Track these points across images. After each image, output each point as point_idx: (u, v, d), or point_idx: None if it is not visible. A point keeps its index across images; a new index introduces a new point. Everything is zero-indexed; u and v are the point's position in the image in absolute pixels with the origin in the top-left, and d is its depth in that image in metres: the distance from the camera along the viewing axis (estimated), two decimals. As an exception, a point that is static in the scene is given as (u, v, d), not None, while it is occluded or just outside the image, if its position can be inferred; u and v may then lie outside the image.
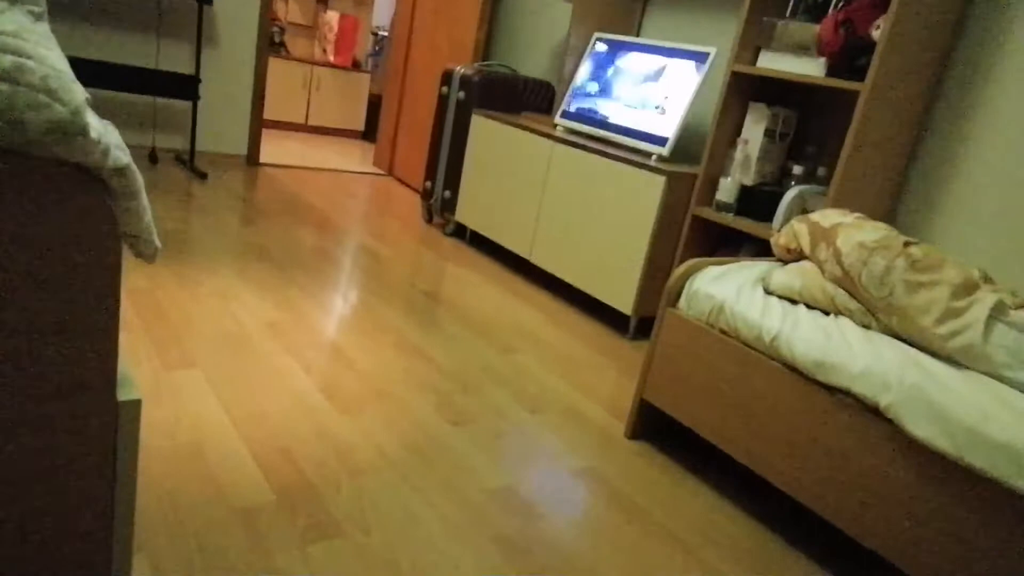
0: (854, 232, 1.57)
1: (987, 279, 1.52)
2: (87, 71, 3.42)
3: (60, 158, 0.65)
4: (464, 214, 3.45)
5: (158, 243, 0.81)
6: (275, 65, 5.59)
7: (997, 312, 1.38)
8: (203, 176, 3.68)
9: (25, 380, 0.70)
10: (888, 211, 2.31)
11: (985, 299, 1.41)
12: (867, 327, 1.52)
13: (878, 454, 1.36)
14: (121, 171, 0.69)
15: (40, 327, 0.69)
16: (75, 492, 0.78)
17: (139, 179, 0.73)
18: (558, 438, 1.83)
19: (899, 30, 1.96)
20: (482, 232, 3.34)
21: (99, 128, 0.68)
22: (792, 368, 1.51)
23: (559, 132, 2.97)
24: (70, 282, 0.68)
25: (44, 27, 0.74)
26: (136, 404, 0.79)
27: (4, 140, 0.62)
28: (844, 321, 1.54)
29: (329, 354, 2.03)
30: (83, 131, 0.63)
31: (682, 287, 1.77)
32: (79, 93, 0.64)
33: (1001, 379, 1.33)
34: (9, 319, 0.67)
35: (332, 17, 5.80)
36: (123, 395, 0.78)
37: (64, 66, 0.66)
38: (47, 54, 0.64)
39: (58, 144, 0.63)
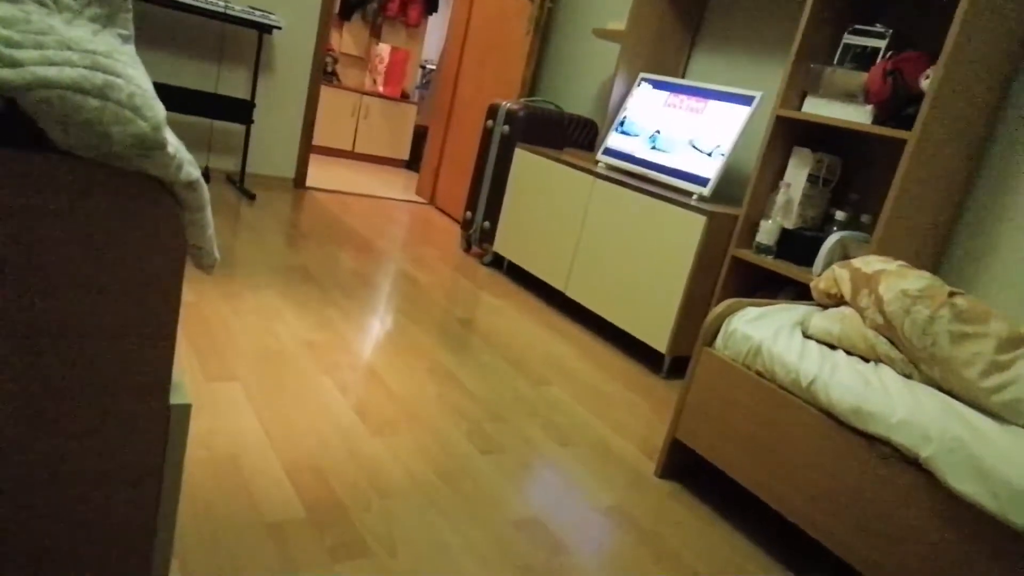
0: (897, 280, 1.55)
1: (1035, 334, 1.48)
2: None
3: (139, 170, 0.69)
4: (502, 245, 3.49)
5: (217, 255, 0.85)
6: (326, 93, 5.77)
7: (1045, 368, 1.35)
8: (252, 197, 3.80)
9: (89, 378, 0.74)
10: (933, 261, 2.28)
11: (1033, 354, 1.37)
12: (908, 376, 1.50)
13: (915, 506, 1.33)
14: (192, 185, 0.74)
15: (107, 328, 0.73)
16: (124, 492, 0.81)
17: (206, 194, 0.78)
18: (587, 473, 1.82)
19: (948, 82, 1.96)
20: (519, 263, 3.37)
21: (175, 144, 0.72)
22: (829, 414, 1.48)
23: (600, 168, 3.00)
24: (138, 286, 0.72)
25: (131, 49, 0.79)
26: (186, 408, 0.82)
27: (91, 151, 0.66)
28: (884, 369, 1.52)
29: (365, 376, 2.06)
30: (162, 146, 0.68)
31: (719, 326, 1.77)
32: (160, 110, 0.69)
33: (1048, 437, 1.29)
34: (79, 319, 0.71)
35: (384, 49, 5.98)
36: (175, 399, 0.81)
37: (148, 85, 0.71)
38: (134, 73, 0.69)
39: (139, 157, 0.67)
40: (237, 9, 3.54)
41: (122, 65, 0.68)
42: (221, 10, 3.47)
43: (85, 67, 0.66)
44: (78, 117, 0.65)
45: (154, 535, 0.85)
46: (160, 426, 0.79)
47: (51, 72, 0.63)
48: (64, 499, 0.77)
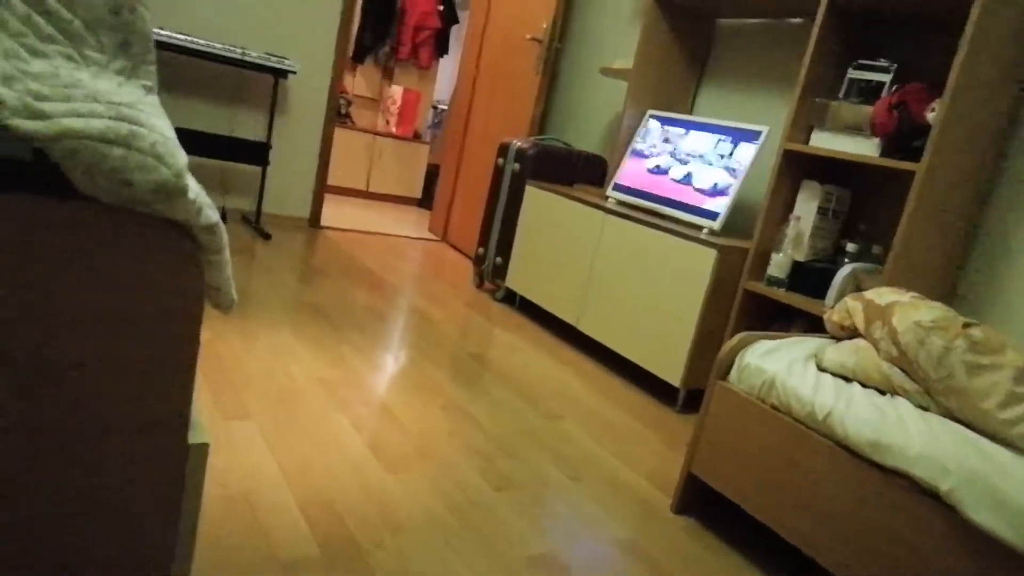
0: (910, 311, 1.55)
1: (1052, 364, 1.47)
2: (169, 136, 3.67)
3: (161, 215, 0.72)
4: (514, 280, 3.51)
5: (235, 296, 0.87)
6: (340, 134, 5.88)
7: (1063, 399, 1.34)
8: (267, 237, 3.86)
9: (108, 417, 0.75)
10: (946, 292, 2.27)
11: (1050, 385, 1.36)
12: (925, 408, 1.48)
13: (935, 539, 1.30)
14: (211, 228, 0.76)
15: (129, 366, 0.74)
16: (141, 529, 0.81)
17: (225, 236, 0.80)
18: (601, 508, 1.80)
19: (954, 113, 1.98)
20: (531, 298, 3.39)
21: (196, 189, 0.75)
22: (845, 447, 1.47)
23: (611, 204, 3.03)
24: (158, 326, 0.74)
25: (154, 99, 0.82)
26: (204, 447, 0.84)
27: (115, 197, 0.69)
28: (900, 401, 1.51)
29: (378, 412, 2.06)
30: (184, 192, 0.70)
31: (733, 360, 1.76)
32: (182, 158, 0.72)
33: (1070, 469, 1.27)
34: (102, 358, 0.73)
35: (396, 91, 6.10)
36: (193, 438, 0.83)
37: (171, 133, 0.74)
38: (157, 123, 0.72)
39: (161, 203, 0.70)
40: (254, 55, 3.64)
41: (146, 115, 0.71)
42: (238, 56, 3.57)
43: (111, 118, 0.69)
44: (104, 166, 0.68)
45: (170, 572, 0.86)
46: (179, 465, 0.81)
47: (79, 123, 0.66)
48: (82, 536, 0.78)
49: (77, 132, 0.66)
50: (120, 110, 0.71)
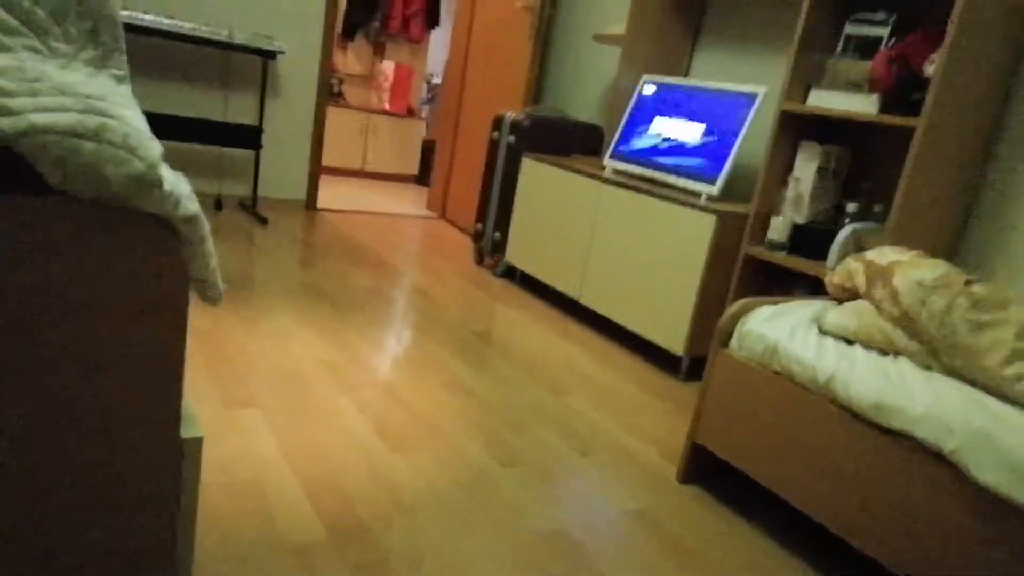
0: (911, 270, 1.53)
1: (1057, 318, 1.45)
2: (161, 125, 3.64)
3: (137, 208, 0.70)
4: (514, 255, 3.49)
5: (222, 287, 0.86)
6: (333, 114, 5.82)
7: (1069, 353, 1.32)
8: (264, 221, 3.84)
9: (95, 414, 0.75)
10: (949, 248, 2.24)
11: (1055, 339, 1.35)
12: (928, 368, 1.47)
13: (941, 499, 1.30)
14: (190, 219, 0.74)
15: (113, 364, 0.73)
16: (138, 526, 0.81)
17: (206, 227, 0.78)
18: (609, 480, 1.81)
19: (954, 65, 1.93)
20: (532, 273, 3.37)
21: (172, 180, 0.73)
22: (849, 410, 1.46)
23: (608, 173, 3.00)
24: (141, 323, 0.73)
25: (126, 89, 0.80)
26: (198, 442, 0.83)
27: (88, 192, 0.67)
28: (903, 362, 1.50)
29: (382, 393, 2.06)
30: (159, 183, 0.69)
31: (734, 327, 1.75)
32: (156, 149, 0.70)
33: (1076, 423, 1.26)
34: (84, 356, 0.72)
35: (388, 67, 6.02)
36: (186, 432, 0.82)
37: (143, 125, 0.72)
38: (128, 114, 0.70)
39: (136, 196, 0.68)
40: (240, 37, 3.59)
41: (116, 107, 0.69)
42: (225, 39, 3.52)
43: (79, 111, 0.67)
44: (75, 160, 0.66)
45: (172, 567, 0.86)
46: (172, 460, 0.80)
47: (46, 118, 0.65)
48: (78, 534, 0.78)
49: (45, 127, 0.65)
50: (89, 102, 0.69)
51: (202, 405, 1.80)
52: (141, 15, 3.31)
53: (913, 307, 1.47)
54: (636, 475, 1.86)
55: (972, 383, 1.40)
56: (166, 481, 0.80)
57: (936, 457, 1.32)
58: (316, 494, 1.53)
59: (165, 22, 3.36)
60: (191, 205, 0.75)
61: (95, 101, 0.69)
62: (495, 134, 3.65)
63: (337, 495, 1.54)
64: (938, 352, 1.45)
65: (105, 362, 0.73)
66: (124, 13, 3.29)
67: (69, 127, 0.66)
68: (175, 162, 3.97)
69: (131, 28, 3.28)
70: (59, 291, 0.70)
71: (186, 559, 0.86)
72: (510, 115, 3.57)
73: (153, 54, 3.74)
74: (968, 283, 1.45)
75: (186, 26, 3.41)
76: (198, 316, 2.35)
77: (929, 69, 2.02)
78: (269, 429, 1.75)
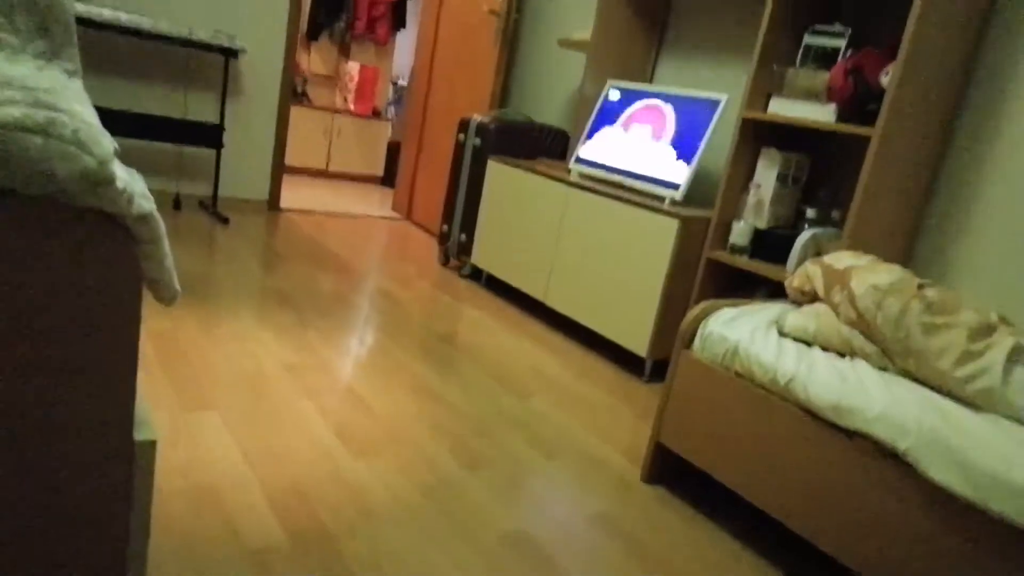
0: (867, 274, 1.57)
1: (1005, 322, 1.50)
2: (118, 122, 3.54)
3: (88, 206, 0.68)
4: (480, 257, 3.49)
5: (178, 288, 0.84)
6: (297, 114, 5.75)
7: (1016, 355, 1.37)
8: (225, 221, 3.76)
9: (44, 419, 0.72)
10: (904, 253, 2.30)
11: (1003, 342, 1.39)
12: (884, 369, 1.51)
13: (896, 498, 1.33)
14: (144, 218, 0.72)
15: (62, 367, 0.71)
16: (89, 531, 0.79)
17: (161, 226, 0.76)
18: (574, 483, 1.81)
19: (908, 77, 1.99)
20: (497, 275, 3.37)
21: (125, 178, 0.71)
22: (808, 411, 1.49)
23: (573, 177, 3.01)
24: (91, 324, 0.71)
25: (77, 84, 0.78)
26: (152, 445, 0.81)
27: (37, 189, 0.65)
28: (860, 364, 1.53)
29: (345, 397, 2.04)
30: (110, 181, 0.67)
31: (696, 329, 1.77)
32: (107, 145, 0.68)
33: (1020, 422, 1.30)
34: (32, 358, 0.70)
35: (353, 68, 5.97)
36: (139, 435, 0.80)
37: (94, 120, 0.70)
38: (79, 109, 0.68)
39: (86, 193, 0.66)
40: (201, 34, 3.52)
41: (66, 101, 0.67)
42: (185, 36, 3.45)
43: (27, 104, 0.65)
44: (22, 156, 0.64)
45: (124, 572, 0.83)
46: (125, 463, 0.78)
47: (-9, 111, 0.62)
48: (27, 541, 0.75)
49: (-10, 121, 0.62)
50: (37, 96, 0.66)
51: (158, 408, 1.76)
52: (99, 10, 3.22)
53: (869, 310, 1.51)
54: (601, 477, 1.86)
55: (926, 384, 1.44)
56: (118, 486, 0.77)
57: (892, 456, 1.35)
58: (277, 500, 1.50)
59: (124, 17, 3.28)
60: (145, 203, 0.73)
61: (43, 95, 0.67)
62: (461, 136, 3.64)
63: (299, 500, 1.52)
64: (893, 354, 1.49)
65: (52, 364, 0.71)
66: (81, 7, 3.20)
67: (15, 121, 0.63)
68: (132, 160, 3.87)
69: (89, 23, 3.19)
70: (5, 292, 0.67)
71: (139, 567, 0.83)
72: (477, 118, 3.57)
73: (112, 50, 3.64)
74: (921, 287, 1.49)
75: (145, 22, 3.33)
76: (156, 318, 2.30)
77: (884, 80, 2.08)
78: (229, 433, 1.72)
